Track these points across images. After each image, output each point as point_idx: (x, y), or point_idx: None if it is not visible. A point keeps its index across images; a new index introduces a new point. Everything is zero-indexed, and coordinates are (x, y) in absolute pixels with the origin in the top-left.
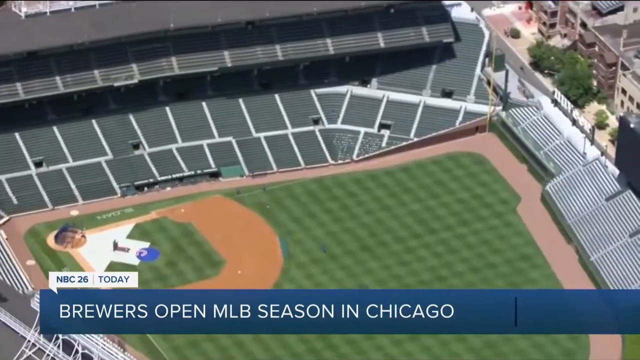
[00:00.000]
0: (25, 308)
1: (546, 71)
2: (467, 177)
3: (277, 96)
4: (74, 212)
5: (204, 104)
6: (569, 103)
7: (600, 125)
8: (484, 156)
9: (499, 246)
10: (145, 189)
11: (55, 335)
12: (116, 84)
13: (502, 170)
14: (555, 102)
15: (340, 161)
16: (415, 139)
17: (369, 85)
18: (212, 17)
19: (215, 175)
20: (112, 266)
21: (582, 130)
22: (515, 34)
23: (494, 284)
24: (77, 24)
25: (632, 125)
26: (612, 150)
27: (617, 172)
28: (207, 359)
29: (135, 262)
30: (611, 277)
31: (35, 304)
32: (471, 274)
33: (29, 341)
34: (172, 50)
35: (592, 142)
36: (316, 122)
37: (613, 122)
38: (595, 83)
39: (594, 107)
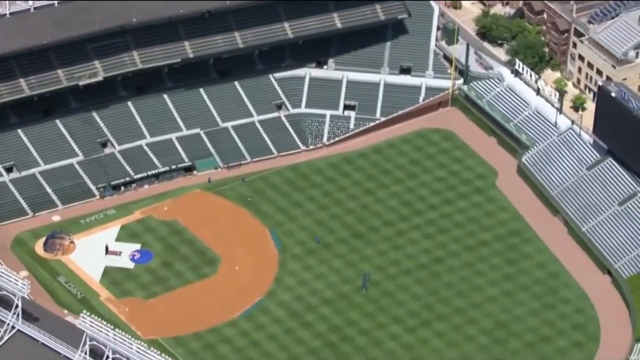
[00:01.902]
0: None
1: (499, 41)
2: (440, 154)
3: (236, 84)
4: (56, 218)
5: (165, 96)
6: (533, 73)
7: (560, 92)
8: (452, 131)
9: (487, 223)
10: (122, 188)
11: (106, 355)
12: (81, 83)
13: (472, 144)
14: (517, 73)
15: (312, 146)
16: (382, 119)
17: (325, 67)
18: (173, 9)
19: (190, 169)
20: (108, 271)
21: (548, 99)
22: (456, 6)
23: (491, 262)
24: (39, 24)
25: (613, 94)
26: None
27: (591, 140)
28: None
29: (130, 265)
30: (605, 247)
31: (81, 324)
32: (467, 254)
33: None
34: (132, 44)
35: (561, 111)
36: (279, 107)
37: (571, 89)
38: (547, 50)
39: (548, 74)
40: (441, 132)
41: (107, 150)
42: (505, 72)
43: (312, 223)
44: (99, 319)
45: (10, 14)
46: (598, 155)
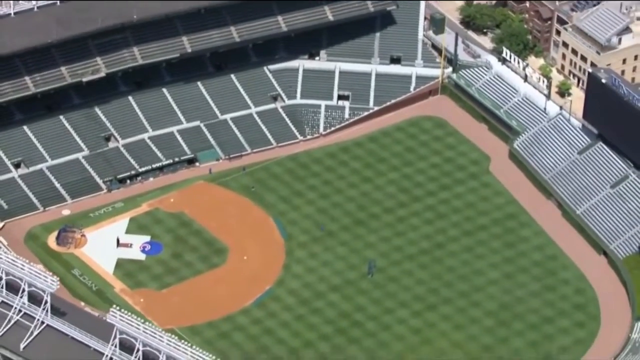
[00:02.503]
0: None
1: (484, 30)
2: (433, 142)
3: (233, 76)
4: (66, 212)
5: (164, 90)
6: (521, 60)
7: (547, 79)
8: (443, 119)
9: (483, 207)
10: (128, 181)
11: (136, 348)
12: (84, 80)
13: (463, 131)
14: (504, 60)
15: (309, 136)
16: (375, 108)
17: (317, 58)
18: (170, 6)
19: (192, 161)
20: (120, 263)
21: (536, 86)
22: None
23: (490, 245)
24: (42, 23)
25: (603, 81)
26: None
27: (580, 125)
28: (241, 351)
29: (142, 257)
30: (600, 228)
31: (111, 318)
32: (466, 238)
33: (106, 356)
34: (132, 40)
35: (549, 97)
36: (275, 98)
37: (555, 75)
38: (530, 38)
39: (532, 61)
40: (433, 119)
41: (112, 145)
42: (493, 60)
43: (314, 211)
44: (130, 313)
45: (15, 13)
46: (588, 139)
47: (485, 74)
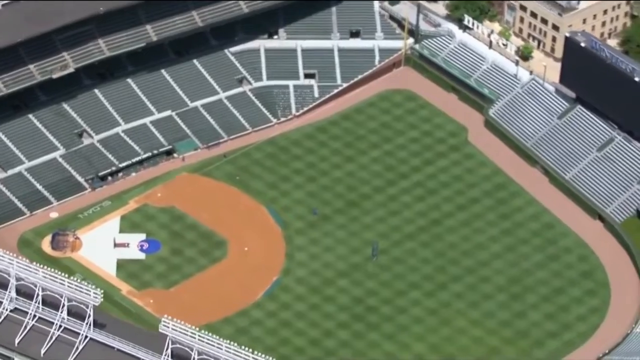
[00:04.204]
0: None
1: None
2: (407, 115)
3: (195, 62)
4: (54, 214)
5: (129, 81)
6: (484, 27)
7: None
8: (412, 91)
9: (471, 180)
10: (110, 178)
11: (192, 357)
12: (54, 76)
13: (434, 102)
14: (465, 28)
15: (282, 118)
16: (344, 84)
17: (276, 37)
18: None
19: (170, 152)
20: (121, 264)
21: (502, 52)
22: None
23: (487, 218)
24: (9, 21)
25: (582, 44)
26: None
27: (554, 89)
28: (263, 345)
29: (141, 256)
30: (593, 193)
31: (162, 328)
32: (461, 213)
33: None
34: (97, 33)
35: (518, 63)
36: (241, 81)
37: (514, 39)
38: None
39: (487, 25)
40: (402, 92)
41: (86, 141)
42: (454, 28)
43: (304, 196)
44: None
45: None
46: (566, 104)
47: (449, 43)
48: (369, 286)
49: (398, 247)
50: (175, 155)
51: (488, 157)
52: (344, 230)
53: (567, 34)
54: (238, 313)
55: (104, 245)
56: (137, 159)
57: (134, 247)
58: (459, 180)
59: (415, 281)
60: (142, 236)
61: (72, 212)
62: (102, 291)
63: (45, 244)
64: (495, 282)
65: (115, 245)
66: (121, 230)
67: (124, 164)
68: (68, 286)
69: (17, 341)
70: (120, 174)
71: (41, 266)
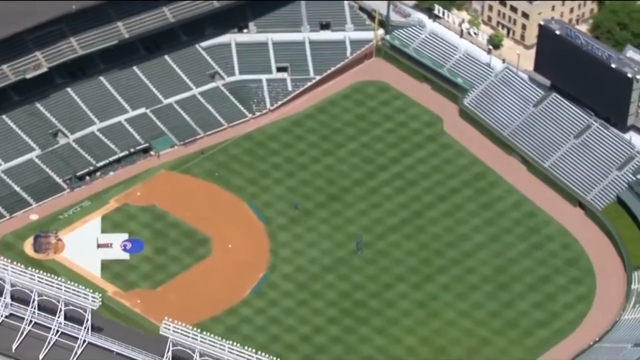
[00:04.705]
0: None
1: None
2: (381, 107)
3: (167, 57)
4: (34, 216)
5: (101, 78)
6: (455, 16)
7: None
8: (384, 82)
9: (450, 170)
10: (88, 178)
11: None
12: (28, 76)
13: (408, 93)
14: (435, 17)
15: (257, 113)
16: (317, 77)
17: (246, 30)
18: None
19: (147, 150)
20: (106, 265)
21: (474, 41)
22: None
23: (468, 208)
24: None
25: (557, 32)
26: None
27: (527, 77)
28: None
29: (125, 256)
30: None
31: (163, 330)
32: (442, 204)
33: None
34: (68, 31)
35: (490, 51)
36: (213, 76)
37: (483, 27)
38: None
39: (455, 14)
40: (375, 84)
41: (62, 141)
42: (424, 18)
43: (285, 191)
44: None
45: None
46: (541, 91)
47: (420, 33)
48: (356, 280)
49: (382, 240)
50: (152, 152)
51: (465, 146)
52: (327, 224)
53: (542, 22)
54: (227, 311)
55: (87, 246)
56: (114, 157)
57: (117, 247)
58: (437, 170)
59: (401, 274)
60: (125, 236)
61: (52, 213)
62: (100, 295)
63: (28, 247)
64: (481, 273)
65: (98, 245)
66: (103, 231)
67: (101, 163)
68: (65, 290)
69: (14, 347)
70: (98, 174)
71: (36, 271)
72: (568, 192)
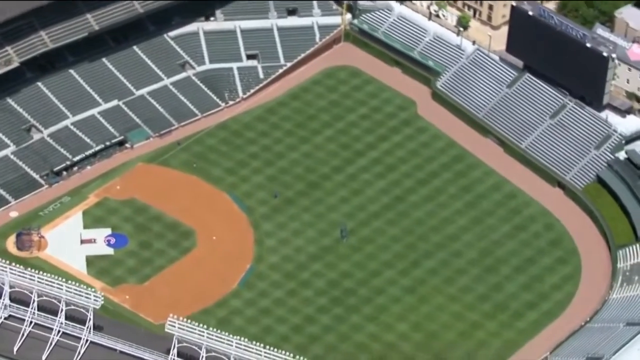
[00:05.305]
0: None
1: None
2: (354, 92)
3: (135, 48)
4: (14, 214)
5: (71, 71)
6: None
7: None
8: (355, 67)
9: (428, 153)
10: (65, 173)
11: (201, 355)
12: None
13: (379, 77)
14: (403, 0)
15: (230, 102)
16: (288, 64)
17: (213, 18)
18: None
19: (122, 143)
20: (91, 261)
21: (443, 24)
22: None
23: (449, 191)
24: None
25: (530, 13)
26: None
27: (498, 58)
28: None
29: (110, 251)
30: (550, 160)
31: (168, 327)
32: (423, 188)
33: None
34: (38, 25)
35: (459, 33)
36: (183, 66)
37: (450, 9)
38: None
39: None
40: (345, 69)
41: (36, 136)
42: (392, 1)
43: (264, 180)
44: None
45: None
46: (514, 72)
47: (388, 17)
48: (343, 268)
49: (365, 226)
50: (127, 145)
51: (440, 129)
52: (309, 212)
53: (514, 3)
54: (217, 303)
55: (70, 242)
56: (90, 151)
57: (101, 242)
58: (415, 154)
59: (387, 260)
60: (108, 231)
61: (32, 210)
62: (102, 294)
63: (10, 245)
64: (467, 256)
65: (82, 241)
66: (85, 226)
67: (77, 158)
68: (66, 290)
69: (15, 349)
70: (75, 168)
71: (36, 271)
72: (547, 172)
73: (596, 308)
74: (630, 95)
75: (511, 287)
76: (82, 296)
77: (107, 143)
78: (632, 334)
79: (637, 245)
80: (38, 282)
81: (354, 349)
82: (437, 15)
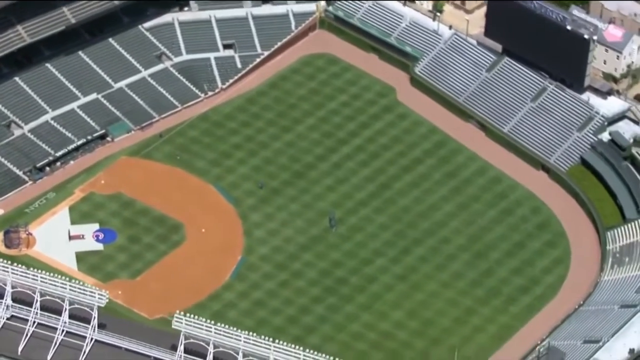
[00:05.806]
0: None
1: None
2: (332, 79)
3: (111, 41)
4: None
5: (48, 65)
6: None
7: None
8: (332, 54)
9: (410, 140)
10: (48, 168)
11: (209, 351)
12: None
13: (357, 64)
14: None
15: (210, 93)
16: (265, 53)
17: (187, 8)
18: None
19: (104, 137)
20: (81, 257)
21: (418, 8)
22: None
23: (434, 178)
24: None
25: None
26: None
27: (476, 42)
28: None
29: (99, 246)
30: (533, 144)
31: (176, 324)
32: (407, 174)
33: None
34: (14, 20)
35: (435, 18)
36: (160, 57)
37: None
38: None
39: None
40: (323, 56)
41: (17, 132)
42: None
43: (249, 171)
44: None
45: None
46: (493, 56)
47: (363, 3)
48: (334, 257)
49: (353, 215)
50: (109, 139)
51: (421, 115)
52: (296, 202)
53: None
54: (210, 297)
55: (59, 238)
56: (72, 146)
57: (89, 238)
58: (398, 141)
59: (377, 248)
60: (96, 226)
61: (18, 207)
62: (106, 291)
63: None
64: (456, 242)
65: (70, 237)
66: (73, 222)
67: (60, 153)
68: (70, 289)
69: (19, 349)
70: (58, 164)
71: (38, 271)
72: (530, 155)
73: (589, 291)
74: (607, 77)
75: (502, 272)
76: (86, 294)
77: (89, 137)
78: (628, 316)
79: (626, 227)
80: (41, 281)
81: (350, 339)
82: (412, 1)
